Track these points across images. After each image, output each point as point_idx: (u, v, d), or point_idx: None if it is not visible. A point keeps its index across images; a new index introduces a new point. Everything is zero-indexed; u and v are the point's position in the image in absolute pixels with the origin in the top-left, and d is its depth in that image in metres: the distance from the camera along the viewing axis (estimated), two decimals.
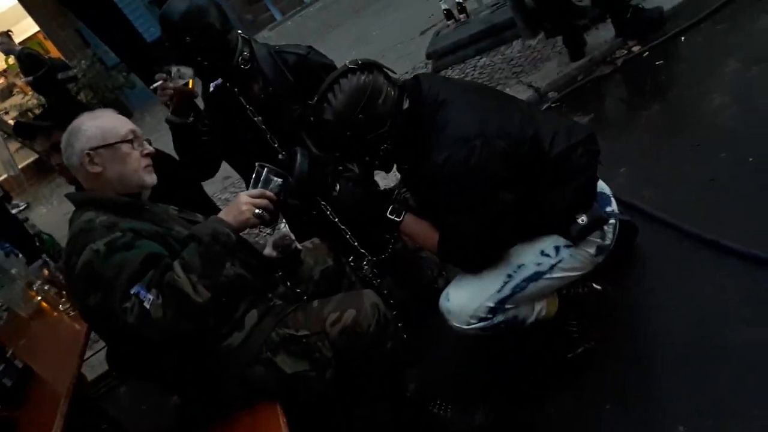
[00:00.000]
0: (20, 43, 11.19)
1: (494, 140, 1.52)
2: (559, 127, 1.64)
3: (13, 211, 7.24)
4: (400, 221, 1.70)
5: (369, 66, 1.62)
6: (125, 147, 1.67)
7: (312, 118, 1.62)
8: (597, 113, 3.27)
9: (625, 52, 3.59)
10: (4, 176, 9.32)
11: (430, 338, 2.28)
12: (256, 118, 2.15)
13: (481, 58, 4.43)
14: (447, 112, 1.57)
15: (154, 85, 2.05)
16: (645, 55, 3.43)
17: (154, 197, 1.80)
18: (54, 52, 10.99)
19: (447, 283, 1.87)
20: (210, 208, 2.63)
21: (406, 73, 4.98)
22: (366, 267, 2.31)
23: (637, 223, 2.19)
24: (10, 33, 7.18)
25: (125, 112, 10.07)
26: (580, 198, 1.64)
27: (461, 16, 4.66)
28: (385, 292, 2.23)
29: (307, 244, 2.19)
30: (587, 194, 1.66)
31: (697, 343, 1.76)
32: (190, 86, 2.06)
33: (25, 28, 11.95)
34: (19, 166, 9.58)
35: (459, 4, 4.66)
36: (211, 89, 2.18)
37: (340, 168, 1.75)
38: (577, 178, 1.63)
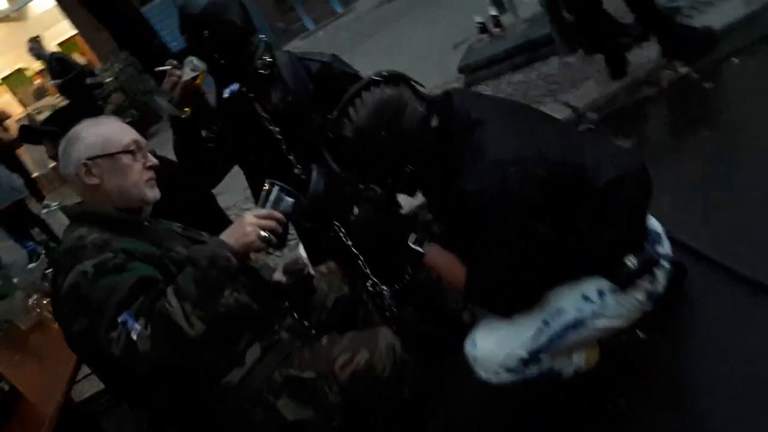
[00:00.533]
0: (59, 45, 11.38)
1: (532, 166, 1.34)
2: (605, 153, 1.46)
3: (44, 211, 7.19)
4: (424, 252, 1.53)
5: (394, 78, 1.46)
6: (126, 158, 1.54)
7: (330, 134, 1.46)
8: (639, 137, 3.05)
9: (671, 72, 3.37)
10: (36, 174, 9.38)
11: (454, 372, 2.08)
12: (271, 128, 2.01)
13: (515, 74, 4.24)
14: (480, 133, 1.40)
15: (161, 68, 1.91)
16: (693, 77, 3.21)
17: (156, 210, 1.66)
18: (89, 55, 11.10)
19: (473, 317, 1.69)
20: (218, 218, 2.47)
21: (436, 87, 4.82)
22: (385, 294, 2.14)
23: (685, 263, 1.98)
24: (38, 38, 7.23)
25: (155, 115, 10.11)
26: (629, 235, 1.44)
27: (496, 30, 4.49)
28: (397, 326, 2.06)
29: (322, 268, 2.03)
30: (637, 232, 1.47)
31: (751, 401, 1.54)
32: (199, 81, 1.91)
33: (62, 30, 12.13)
34: (49, 166, 9.65)
35: (494, 17, 4.48)
36: (226, 95, 2.04)
37: (360, 189, 1.58)
38: (627, 213, 1.44)
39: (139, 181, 1.55)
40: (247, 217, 1.42)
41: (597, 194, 1.41)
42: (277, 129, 2.01)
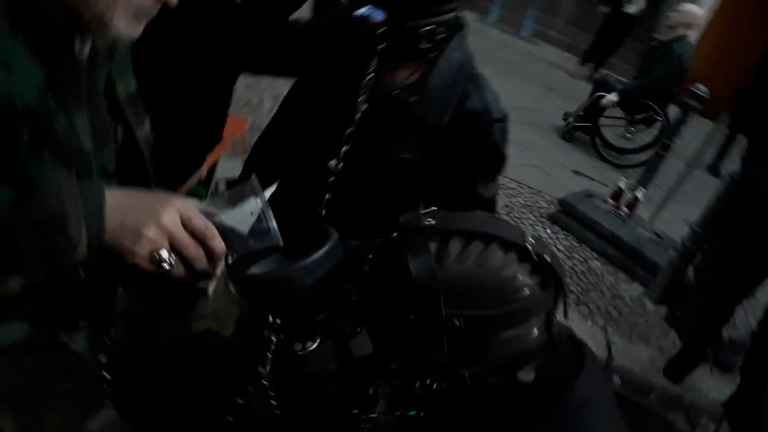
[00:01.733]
0: None
1: None
2: None
3: None
4: None
5: (547, 273, 0.79)
6: None
7: (398, 239, 0.78)
8: None
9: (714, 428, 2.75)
10: None
11: None
12: (360, 100, 1.30)
13: (597, 260, 3.59)
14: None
15: None
16: None
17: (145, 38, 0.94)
18: None
19: None
20: (215, 110, 1.72)
21: (531, 190, 4.12)
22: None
23: None
24: None
25: None
26: None
27: (625, 210, 3.81)
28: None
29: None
30: None
31: None
32: None
33: None
34: None
35: (635, 197, 3.80)
36: (359, 14, 1.31)
37: (349, 315, 0.90)
38: None
39: (125, 4, 0.84)
40: (167, 211, 0.73)
41: None
42: (366, 108, 1.30)
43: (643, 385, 2.82)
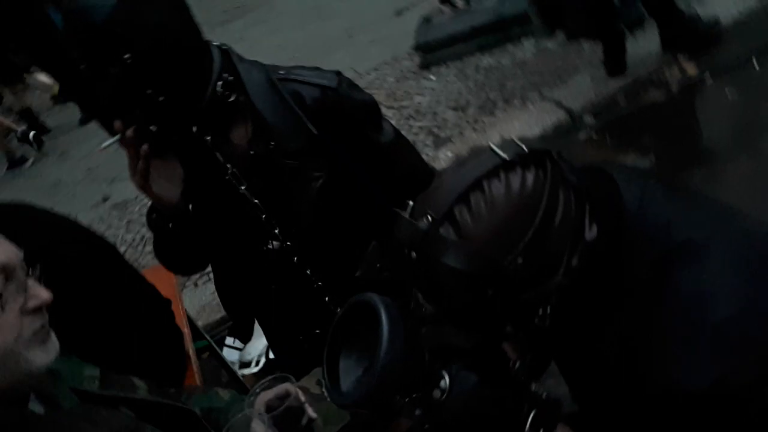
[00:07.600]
0: None
1: None
2: None
3: None
4: None
5: (539, 157, 0.78)
6: None
7: (418, 256, 0.77)
8: (658, 156, 2.55)
9: (678, 73, 2.90)
10: None
11: None
12: (241, 188, 1.22)
13: (484, 57, 3.62)
14: (702, 270, 0.76)
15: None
16: (709, 83, 2.75)
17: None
18: None
19: None
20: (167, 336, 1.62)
21: (386, 63, 4.07)
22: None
23: None
24: None
25: None
26: None
27: (460, 1, 3.81)
28: None
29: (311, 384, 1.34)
30: None
31: None
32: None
33: None
34: None
35: None
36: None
37: (454, 348, 0.90)
38: None
39: (15, 340, 0.76)
40: None
41: None
42: (245, 187, 1.22)
43: (608, 102, 2.93)
